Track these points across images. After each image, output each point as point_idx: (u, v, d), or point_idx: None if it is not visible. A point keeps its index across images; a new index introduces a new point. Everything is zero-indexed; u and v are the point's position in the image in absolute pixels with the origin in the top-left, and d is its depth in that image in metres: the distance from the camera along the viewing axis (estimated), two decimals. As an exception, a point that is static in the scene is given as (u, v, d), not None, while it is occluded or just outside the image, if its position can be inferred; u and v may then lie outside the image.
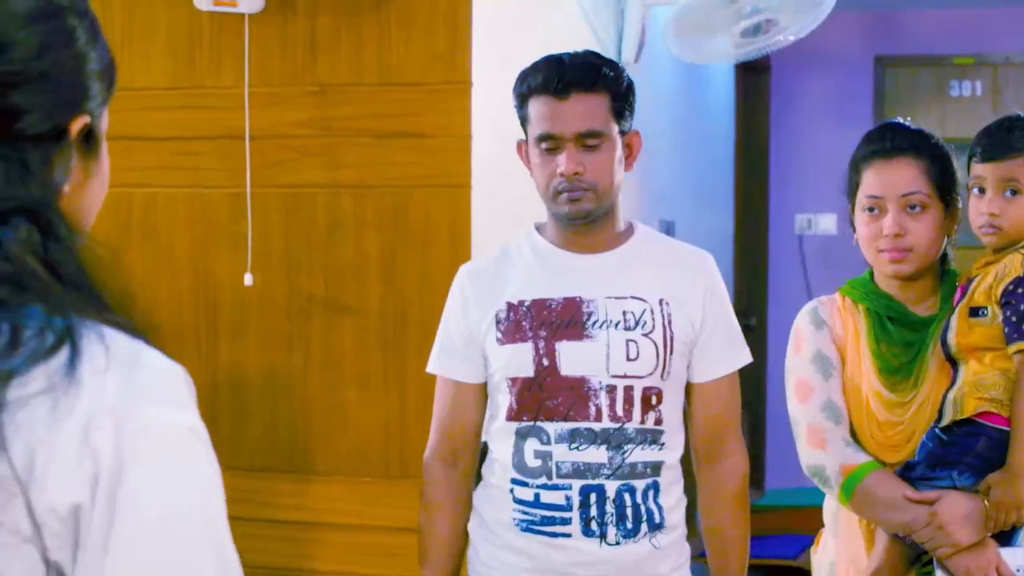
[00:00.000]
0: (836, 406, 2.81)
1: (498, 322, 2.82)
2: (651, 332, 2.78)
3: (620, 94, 2.79)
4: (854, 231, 2.88)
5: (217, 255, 3.89)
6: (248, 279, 3.79)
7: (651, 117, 5.09)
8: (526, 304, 2.80)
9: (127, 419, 1.12)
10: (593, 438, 2.74)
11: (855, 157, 2.88)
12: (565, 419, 2.75)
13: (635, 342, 2.76)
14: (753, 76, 7.89)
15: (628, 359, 2.75)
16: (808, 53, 7.89)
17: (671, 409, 2.81)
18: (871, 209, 2.80)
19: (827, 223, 7.94)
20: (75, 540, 1.10)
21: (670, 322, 2.79)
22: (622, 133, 2.80)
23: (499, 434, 2.84)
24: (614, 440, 2.74)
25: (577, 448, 2.74)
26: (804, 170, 8.06)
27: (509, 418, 2.80)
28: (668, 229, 5.72)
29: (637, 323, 2.78)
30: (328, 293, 3.82)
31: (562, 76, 2.75)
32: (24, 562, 1.09)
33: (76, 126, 1.26)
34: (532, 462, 2.78)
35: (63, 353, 1.12)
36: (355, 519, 3.82)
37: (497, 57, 3.81)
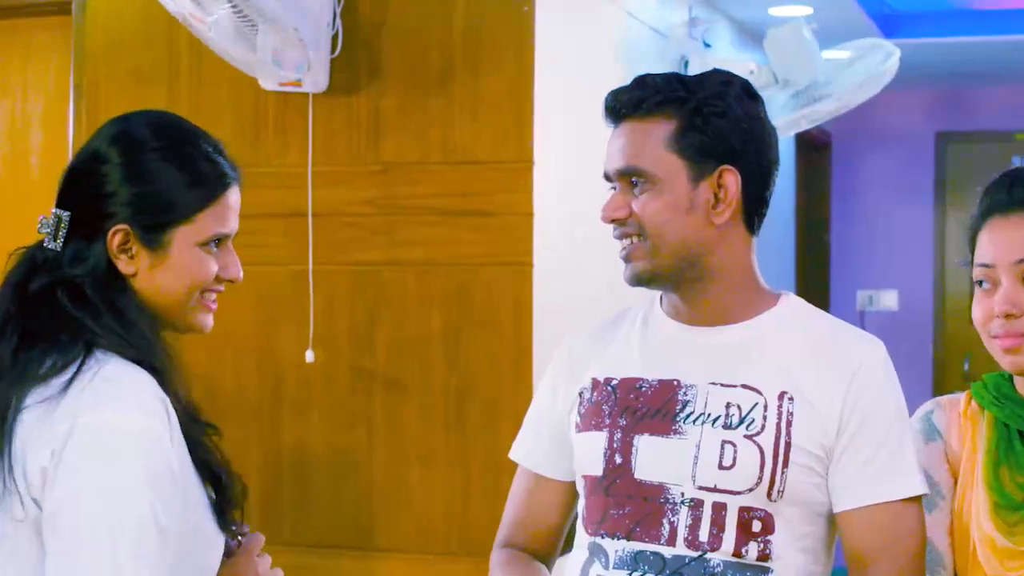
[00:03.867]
0: (936, 551, 2.11)
1: (580, 403, 2.18)
2: (758, 434, 2.03)
3: (693, 117, 2.06)
4: None
5: (281, 332, 3.91)
6: (310, 355, 3.81)
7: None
8: (613, 383, 2.14)
9: (80, 419, 1.75)
10: (660, 567, 2.03)
11: (973, 216, 2.14)
12: (628, 537, 2.06)
13: (733, 445, 2.03)
14: (814, 152, 7.88)
15: (721, 466, 2.03)
16: (869, 129, 7.91)
17: (791, 543, 2.05)
18: (981, 282, 2.08)
19: (889, 299, 7.90)
20: (43, 489, 1.74)
21: (789, 424, 2.03)
22: (700, 173, 2.06)
23: (577, 548, 2.18)
24: (688, 574, 2.02)
25: None
26: (865, 246, 8.03)
27: (583, 527, 2.15)
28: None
29: (742, 421, 2.04)
30: (391, 370, 3.83)
31: (614, 95, 2.14)
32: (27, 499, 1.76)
33: (110, 233, 1.86)
34: None
35: (67, 375, 1.77)
36: (417, 597, 3.80)
37: (559, 136, 3.84)
